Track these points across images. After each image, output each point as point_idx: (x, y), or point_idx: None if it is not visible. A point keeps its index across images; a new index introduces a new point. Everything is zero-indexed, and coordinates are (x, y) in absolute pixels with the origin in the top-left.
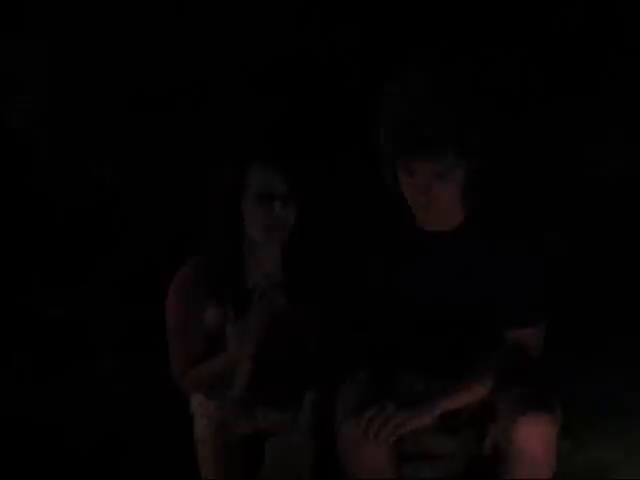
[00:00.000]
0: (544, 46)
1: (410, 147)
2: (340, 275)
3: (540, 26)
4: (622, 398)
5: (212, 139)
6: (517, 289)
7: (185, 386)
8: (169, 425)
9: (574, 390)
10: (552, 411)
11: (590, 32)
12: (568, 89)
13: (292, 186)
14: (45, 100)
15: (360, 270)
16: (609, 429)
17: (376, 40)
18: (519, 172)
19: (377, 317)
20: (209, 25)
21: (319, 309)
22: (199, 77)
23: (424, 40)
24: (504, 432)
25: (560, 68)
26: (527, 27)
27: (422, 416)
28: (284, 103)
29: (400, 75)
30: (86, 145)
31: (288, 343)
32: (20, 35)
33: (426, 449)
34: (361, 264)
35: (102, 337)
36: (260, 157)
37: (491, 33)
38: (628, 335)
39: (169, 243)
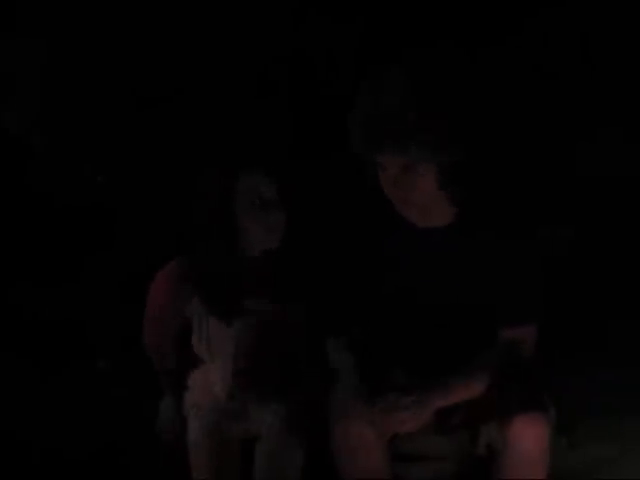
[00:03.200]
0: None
1: (374, 141)
2: (331, 275)
3: (538, 25)
4: (616, 397)
5: (209, 139)
6: (512, 287)
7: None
8: None
9: (568, 389)
10: (545, 411)
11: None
12: (565, 88)
13: (283, 190)
14: (40, 100)
15: (351, 270)
16: (603, 428)
17: (372, 40)
18: (515, 168)
19: (370, 317)
20: (204, 27)
21: (310, 310)
22: (195, 78)
23: (422, 40)
24: (498, 432)
25: (558, 66)
26: (525, 25)
27: (422, 410)
28: (279, 104)
29: (372, 75)
30: (82, 145)
31: (278, 344)
32: (15, 34)
33: (420, 450)
34: (352, 264)
35: (101, 337)
36: (251, 162)
37: (490, 32)
38: (622, 333)
39: (168, 243)
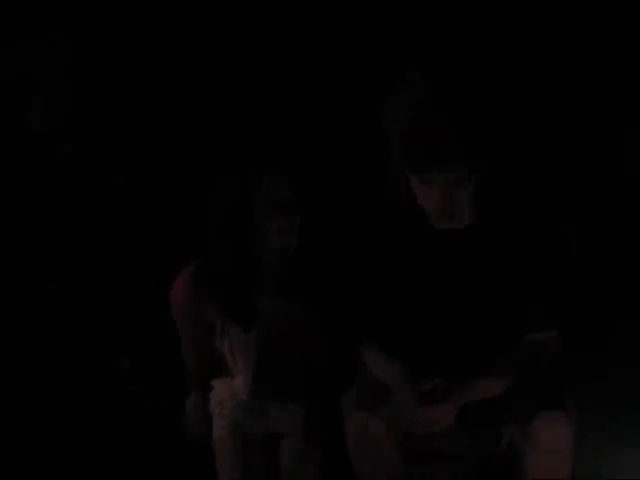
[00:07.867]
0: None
1: (429, 160)
2: (349, 277)
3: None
4: (622, 396)
5: (226, 142)
6: (535, 290)
7: None
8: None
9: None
10: (569, 409)
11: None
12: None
13: (299, 192)
14: (62, 101)
15: (370, 272)
16: (609, 427)
17: (380, 44)
18: (531, 170)
19: (392, 319)
20: (221, 31)
21: (328, 312)
22: (214, 82)
23: (424, 41)
24: (521, 431)
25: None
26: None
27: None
28: (295, 106)
29: (404, 86)
30: (102, 147)
31: (297, 346)
32: (37, 33)
33: (439, 448)
34: (371, 266)
35: (121, 335)
36: (267, 165)
37: (491, 32)
38: (630, 333)
39: (186, 245)
